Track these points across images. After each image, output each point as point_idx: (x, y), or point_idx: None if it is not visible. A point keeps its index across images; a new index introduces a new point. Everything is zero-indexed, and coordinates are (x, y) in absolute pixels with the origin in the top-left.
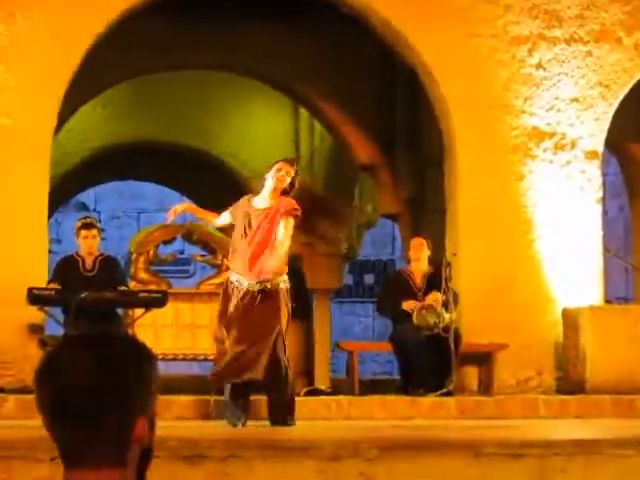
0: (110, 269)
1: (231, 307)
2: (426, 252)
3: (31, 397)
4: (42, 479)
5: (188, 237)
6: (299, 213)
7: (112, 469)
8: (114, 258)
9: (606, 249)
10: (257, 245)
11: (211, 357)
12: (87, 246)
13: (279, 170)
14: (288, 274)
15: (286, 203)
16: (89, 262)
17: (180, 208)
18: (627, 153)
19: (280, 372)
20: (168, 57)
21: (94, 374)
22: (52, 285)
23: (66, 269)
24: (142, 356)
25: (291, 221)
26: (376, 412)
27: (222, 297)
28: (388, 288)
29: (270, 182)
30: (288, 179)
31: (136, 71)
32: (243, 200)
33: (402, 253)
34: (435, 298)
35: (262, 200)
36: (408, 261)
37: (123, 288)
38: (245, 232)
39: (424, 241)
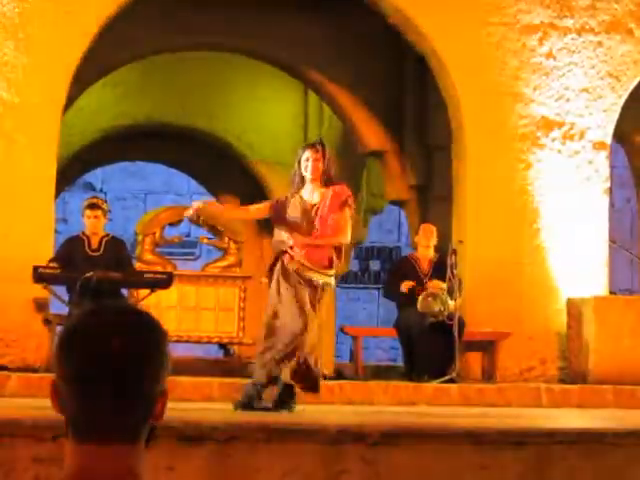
0: (116, 250)
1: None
2: (434, 239)
3: (35, 376)
4: (45, 457)
5: (195, 219)
6: (351, 201)
7: (125, 445)
8: (120, 240)
9: (612, 240)
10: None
11: (215, 340)
12: (91, 226)
13: (307, 160)
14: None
15: (335, 194)
16: (94, 242)
17: (201, 206)
18: (635, 145)
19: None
20: (181, 38)
21: (125, 348)
22: (52, 264)
23: (70, 248)
24: (161, 332)
25: (347, 212)
26: (379, 397)
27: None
28: (394, 273)
29: (306, 175)
30: (320, 165)
31: (146, 51)
32: (293, 197)
33: (408, 239)
34: (438, 286)
35: (309, 194)
36: (415, 247)
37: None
38: (307, 229)
39: (434, 228)
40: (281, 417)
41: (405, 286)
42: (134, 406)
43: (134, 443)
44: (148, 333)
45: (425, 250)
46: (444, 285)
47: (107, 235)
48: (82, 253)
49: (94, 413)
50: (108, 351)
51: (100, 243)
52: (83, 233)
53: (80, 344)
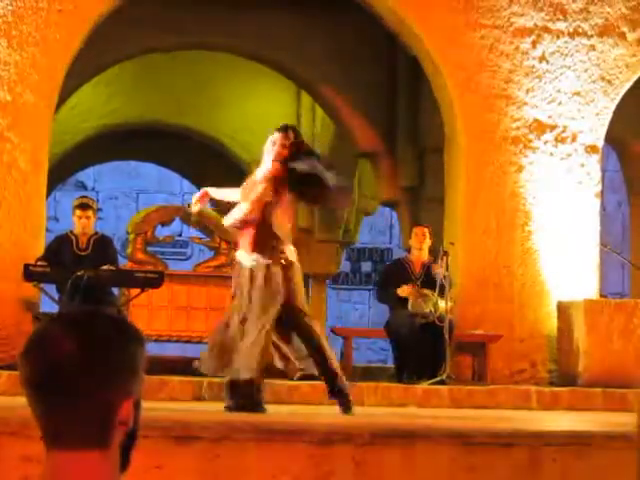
0: (103, 248)
1: None
2: (428, 241)
3: None
4: (34, 456)
5: (186, 219)
6: (270, 181)
7: (93, 451)
8: (108, 238)
9: (603, 244)
10: None
11: (206, 339)
12: (81, 226)
13: (274, 144)
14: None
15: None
16: (83, 241)
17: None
18: (627, 149)
19: None
20: (172, 37)
21: (75, 352)
22: (41, 262)
23: (58, 247)
24: (128, 337)
25: (260, 187)
26: (369, 398)
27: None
28: (387, 276)
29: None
30: (284, 151)
31: (139, 50)
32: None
33: (400, 241)
34: (437, 270)
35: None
36: (408, 249)
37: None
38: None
39: (426, 230)
40: (271, 417)
41: (402, 292)
42: (89, 411)
43: (102, 449)
44: (104, 336)
45: (418, 253)
46: (442, 270)
47: (96, 234)
48: (70, 252)
49: (53, 419)
50: (58, 356)
51: (89, 242)
52: (71, 232)
53: (34, 350)
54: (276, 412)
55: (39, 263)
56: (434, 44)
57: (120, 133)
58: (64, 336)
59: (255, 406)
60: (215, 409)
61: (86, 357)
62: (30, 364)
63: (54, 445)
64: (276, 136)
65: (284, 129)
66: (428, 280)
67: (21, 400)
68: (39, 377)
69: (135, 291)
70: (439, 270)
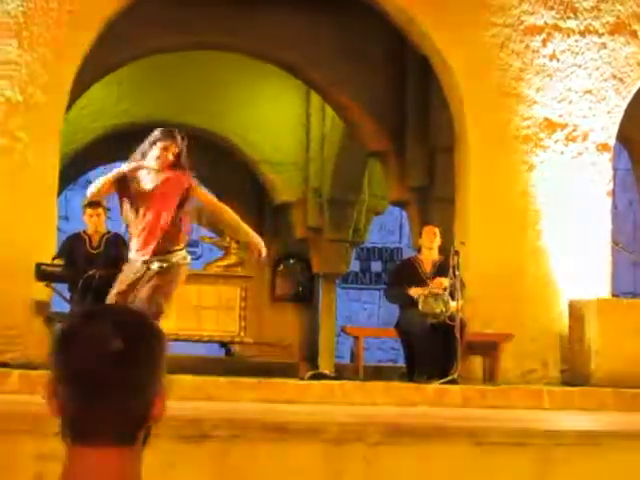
0: (115, 247)
1: None
2: (438, 241)
3: (36, 373)
4: (48, 453)
5: (197, 219)
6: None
7: (123, 447)
8: (120, 236)
9: (614, 243)
10: None
11: (216, 339)
12: (92, 224)
13: (165, 149)
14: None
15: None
16: (95, 240)
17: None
18: (639, 148)
19: None
20: (182, 37)
21: (123, 350)
22: (56, 261)
23: (72, 247)
24: (161, 335)
25: None
26: (380, 398)
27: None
28: (397, 275)
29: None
30: (171, 158)
31: (149, 50)
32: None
33: (409, 240)
34: (440, 285)
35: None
36: (418, 249)
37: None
38: None
39: (437, 230)
40: (283, 416)
41: (414, 292)
42: (132, 408)
43: (131, 446)
44: (146, 334)
45: (428, 252)
46: (446, 283)
47: (108, 233)
48: (83, 251)
49: (91, 415)
50: (107, 351)
51: (101, 241)
52: (84, 232)
53: (78, 345)
54: (288, 411)
55: (54, 262)
56: (443, 43)
57: (130, 133)
58: (112, 334)
59: None
60: (227, 407)
61: (132, 355)
62: (73, 358)
63: (83, 441)
64: (165, 143)
65: (172, 135)
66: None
67: (33, 399)
68: (83, 373)
69: None
70: (445, 285)
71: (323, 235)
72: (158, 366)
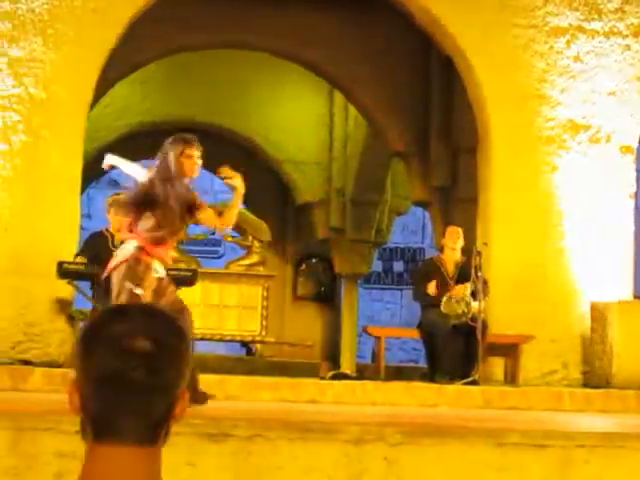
0: None
1: None
2: (461, 241)
3: (58, 371)
4: (68, 451)
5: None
6: None
7: (143, 447)
8: None
9: (637, 244)
10: None
11: (238, 338)
12: (116, 223)
13: (199, 157)
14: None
15: None
16: (118, 238)
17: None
18: None
19: None
20: (206, 36)
21: (154, 350)
22: (79, 258)
23: (95, 245)
24: (183, 331)
25: None
26: (401, 398)
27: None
28: (420, 276)
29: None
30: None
31: (174, 49)
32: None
33: (432, 241)
34: (462, 291)
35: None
36: (440, 249)
37: None
38: None
39: (460, 230)
40: (303, 415)
41: (430, 289)
42: (157, 406)
43: (153, 445)
44: (172, 333)
45: (451, 252)
46: (467, 291)
47: None
48: (106, 249)
49: (114, 414)
50: (133, 350)
51: (123, 240)
52: (107, 230)
53: (105, 343)
54: (308, 410)
55: (77, 260)
56: (467, 43)
57: (153, 131)
58: (140, 334)
59: None
60: (248, 407)
61: (160, 357)
62: (100, 356)
63: (106, 440)
64: (196, 152)
65: (195, 143)
66: (462, 280)
67: (55, 397)
68: (110, 370)
69: None
70: (465, 292)
71: (345, 235)
72: (183, 367)
